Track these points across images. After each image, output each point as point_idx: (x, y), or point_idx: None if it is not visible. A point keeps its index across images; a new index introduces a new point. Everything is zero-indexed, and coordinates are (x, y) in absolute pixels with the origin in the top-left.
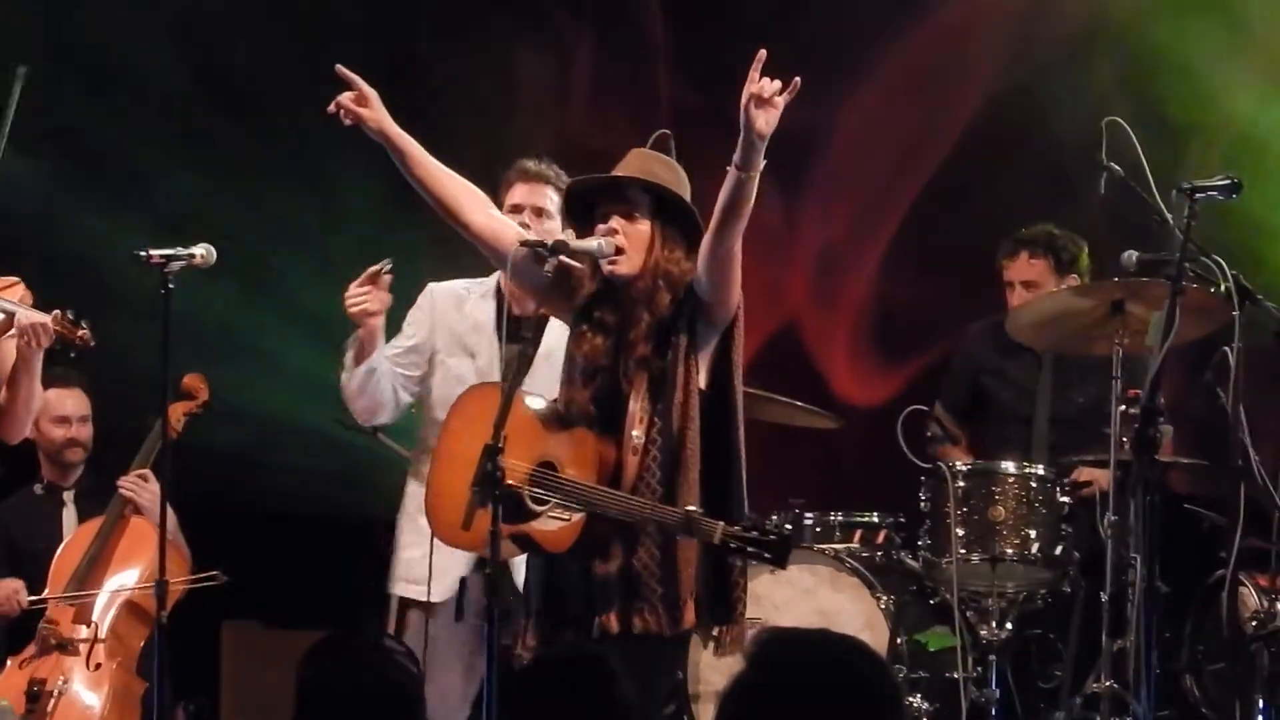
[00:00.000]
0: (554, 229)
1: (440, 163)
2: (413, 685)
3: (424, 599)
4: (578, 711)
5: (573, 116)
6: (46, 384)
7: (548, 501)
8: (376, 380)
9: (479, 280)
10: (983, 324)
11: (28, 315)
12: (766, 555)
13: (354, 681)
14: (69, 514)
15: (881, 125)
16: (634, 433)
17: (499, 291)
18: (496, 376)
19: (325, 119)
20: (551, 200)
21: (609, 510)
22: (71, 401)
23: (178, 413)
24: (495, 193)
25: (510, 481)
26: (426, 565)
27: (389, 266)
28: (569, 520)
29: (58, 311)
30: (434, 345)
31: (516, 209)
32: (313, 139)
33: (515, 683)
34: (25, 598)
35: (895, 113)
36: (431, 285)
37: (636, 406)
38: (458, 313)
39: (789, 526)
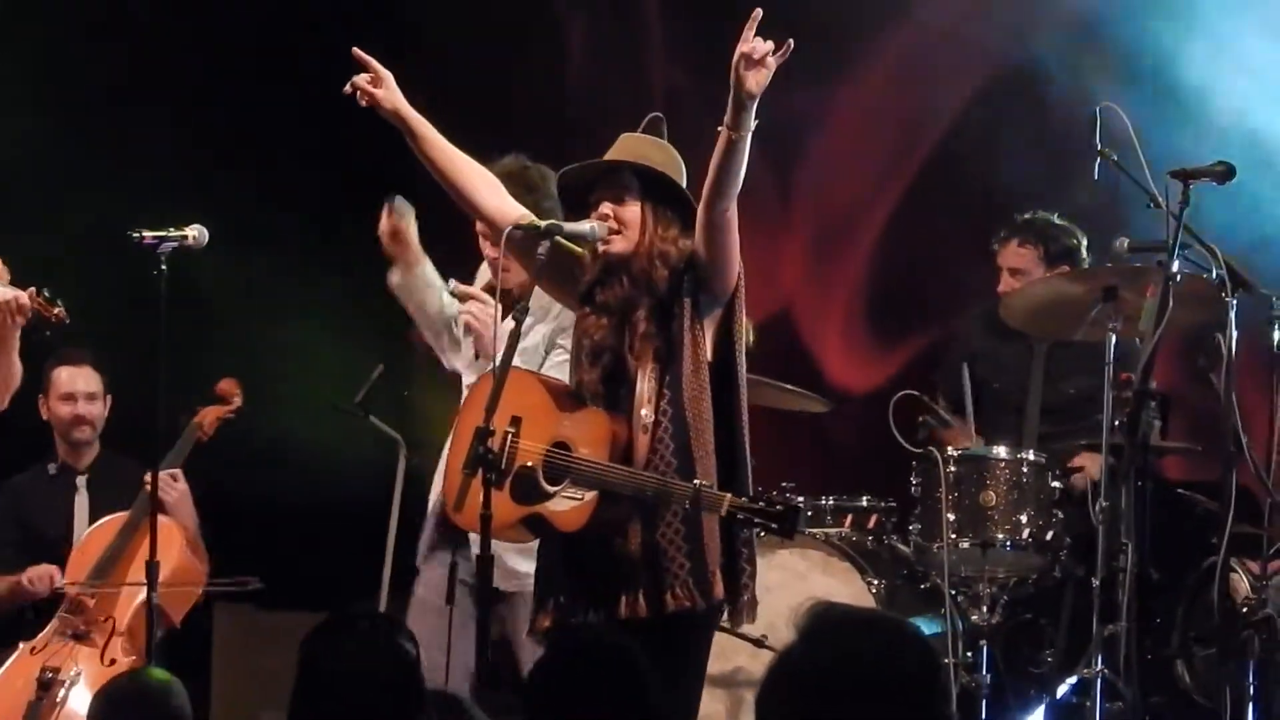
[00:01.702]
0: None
1: (453, 145)
2: (411, 664)
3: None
4: (603, 702)
5: (568, 100)
6: (57, 362)
7: (560, 481)
8: (426, 317)
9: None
10: (978, 309)
11: (2, 293)
12: (774, 525)
13: (352, 660)
14: (80, 499)
15: (877, 110)
16: (643, 411)
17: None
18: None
19: (339, 98)
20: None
21: (619, 487)
22: (81, 379)
23: (210, 417)
24: None
25: (527, 463)
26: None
27: (394, 200)
28: (581, 500)
29: (32, 289)
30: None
31: (485, 235)
32: (331, 121)
33: (538, 672)
34: (59, 580)
35: (891, 98)
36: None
37: (644, 385)
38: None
39: (800, 499)
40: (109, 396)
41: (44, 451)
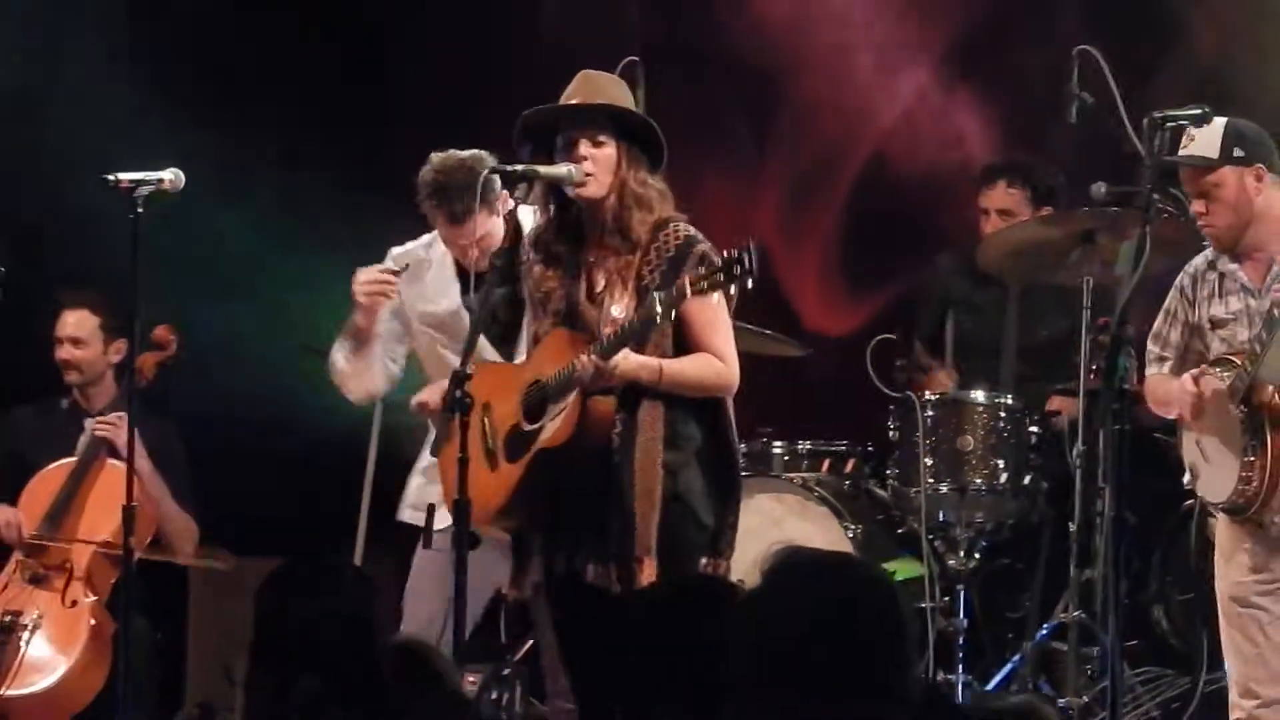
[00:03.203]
0: (496, 238)
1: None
2: (366, 607)
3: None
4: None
5: (543, 50)
6: (59, 304)
7: (541, 414)
8: (369, 365)
9: (427, 238)
10: (951, 254)
11: None
12: (736, 271)
13: (307, 606)
14: (84, 440)
15: (851, 55)
16: (614, 310)
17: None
18: (464, 321)
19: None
20: (479, 219)
21: (585, 372)
22: (67, 324)
23: (149, 363)
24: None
25: (506, 423)
26: (432, 494)
27: (404, 269)
28: (562, 411)
29: None
30: (408, 311)
31: (446, 240)
32: (306, 72)
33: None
34: (27, 531)
35: (867, 43)
36: (393, 250)
37: (614, 298)
38: (416, 277)
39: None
40: (118, 341)
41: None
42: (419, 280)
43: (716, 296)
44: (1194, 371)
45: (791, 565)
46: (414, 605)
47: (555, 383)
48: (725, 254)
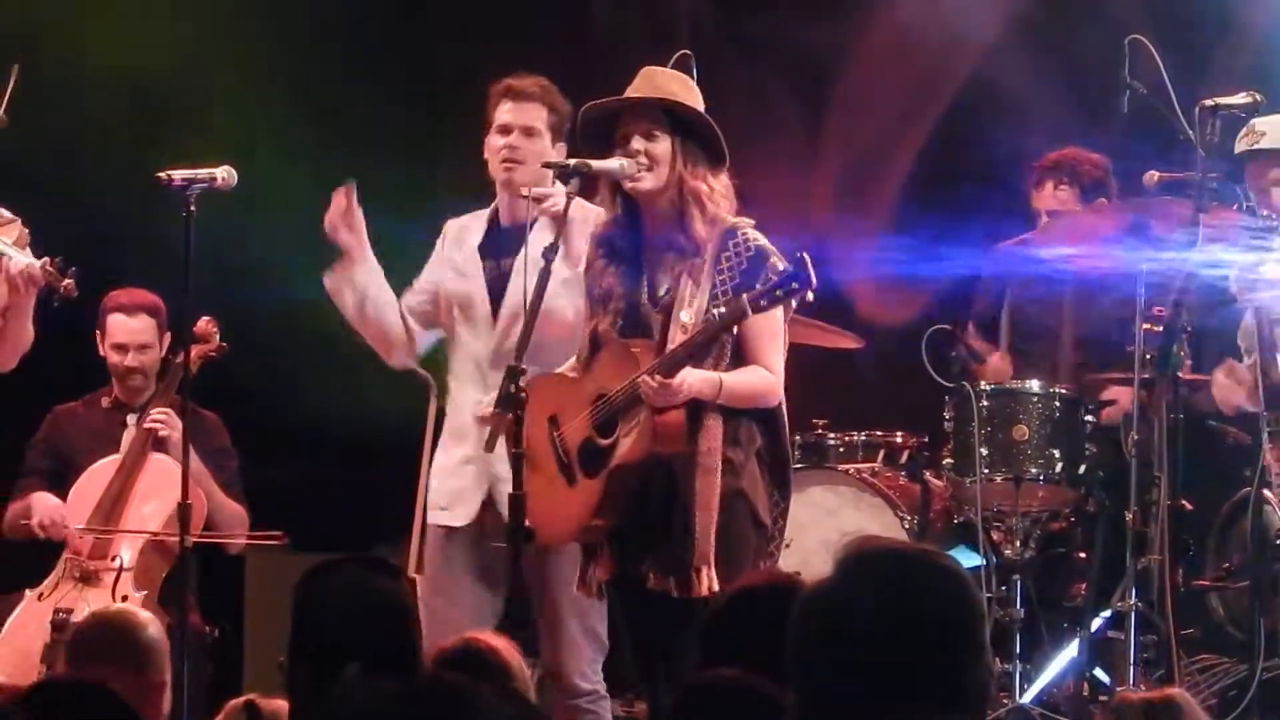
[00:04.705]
0: (544, 148)
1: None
2: (400, 605)
3: (449, 524)
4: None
5: (593, 30)
6: (114, 304)
7: (614, 428)
8: (377, 308)
9: (482, 211)
10: (1011, 242)
11: (17, 263)
12: (795, 285)
13: (339, 598)
14: (128, 437)
15: (905, 42)
16: (683, 314)
17: (495, 212)
18: (482, 291)
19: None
20: (542, 119)
21: (650, 390)
22: (133, 330)
23: (192, 356)
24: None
25: (577, 438)
26: (448, 491)
27: (352, 184)
28: (635, 427)
29: (46, 259)
30: (442, 277)
31: (505, 129)
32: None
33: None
34: (74, 529)
35: (921, 29)
36: (449, 221)
37: (687, 291)
38: (459, 243)
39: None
40: (167, 335)
41: (102, 379)
42: (459, 242)
43: (776, 310)
44: (1224, 366)
45: (865, 555)
46: (450, 605)
47: (622, 399)
48: (782, 269)
